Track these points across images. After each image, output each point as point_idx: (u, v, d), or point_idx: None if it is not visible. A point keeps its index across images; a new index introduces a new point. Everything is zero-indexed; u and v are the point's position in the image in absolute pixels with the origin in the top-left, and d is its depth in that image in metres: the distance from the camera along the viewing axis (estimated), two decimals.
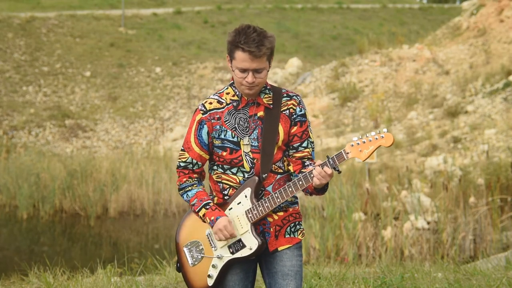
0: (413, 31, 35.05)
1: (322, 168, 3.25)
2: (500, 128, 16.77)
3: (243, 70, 3.33)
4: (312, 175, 3.29)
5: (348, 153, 3.28)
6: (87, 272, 6.27)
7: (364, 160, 3.31)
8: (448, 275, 5.91)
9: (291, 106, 3.45)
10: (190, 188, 3.50)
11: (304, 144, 3.46)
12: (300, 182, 3.32)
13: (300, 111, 3.46)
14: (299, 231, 3.50)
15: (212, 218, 3.38)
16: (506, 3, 23.78)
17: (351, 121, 21.88)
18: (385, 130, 3.25)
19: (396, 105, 21.94)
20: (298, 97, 3.49)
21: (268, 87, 3.48)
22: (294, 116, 3.44)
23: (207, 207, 3.42)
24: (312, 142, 3.52)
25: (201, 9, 37.68)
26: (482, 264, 7.10)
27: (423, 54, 24.23)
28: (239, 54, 3.31)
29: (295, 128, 3.44)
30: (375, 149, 3.27)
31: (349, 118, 22.01)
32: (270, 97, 3.46)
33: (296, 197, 3.54)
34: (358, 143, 3.29)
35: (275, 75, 27.45)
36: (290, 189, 3.34)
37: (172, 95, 27.46)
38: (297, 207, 3.53)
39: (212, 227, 3.39)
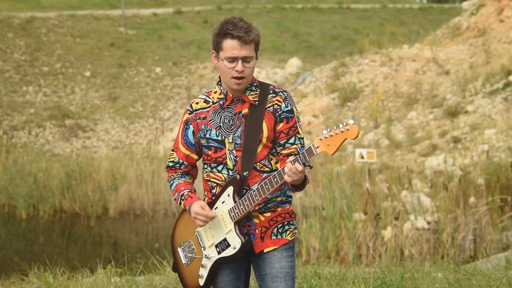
0: (413, 31, 35.02)
1: (293, 165, 3.14)
2: (500, 128, 16.76)
3: (232, 60, 3.28)
4: (284, 172, 3.20)
5: (317, 147, 3.14)
6: (87, 272, 6.28)
7: (332, 154, 3.16)
8: (448, 275, 5.90)
9: (276, 102, 3.35)
10: (172, 182, 3.54)
11: (291, 141, 3.36)
12: (275, 179, 3.22)
13: (286, 107, 3.35)
14: (288, 232, 3.41)
15: (187, 207, 3.40)
16: (506, 3, 23.77)
17: None
18: (351, 122, 3.08)
19: (396, 105, 21.93)
20: (285, 93, 3.39)
21: (255, 84, 3.42)
22: (280, 112, 3.35)
23: (182, 197, 3.44)
24: (301, 138, 3.39)
25: (201, 9, 37.69)
26: (482, 264, 7.10)
27: (423, 54, 24.21)
28: (228, 43, 3.27)
29: (281, 124, 3.35)
30: (342, 142, 3.11)
31: (349, 118, 21.99)
32: (256, 94, 3.39)
33: (291, 196, 3.46)
34: (326, 137, 3.13)
35: (275, 75, 27.44)
36: (267, 187, 3.24)
37: (172, 95, 27.47)
38: (288, 207, 3.43)
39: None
